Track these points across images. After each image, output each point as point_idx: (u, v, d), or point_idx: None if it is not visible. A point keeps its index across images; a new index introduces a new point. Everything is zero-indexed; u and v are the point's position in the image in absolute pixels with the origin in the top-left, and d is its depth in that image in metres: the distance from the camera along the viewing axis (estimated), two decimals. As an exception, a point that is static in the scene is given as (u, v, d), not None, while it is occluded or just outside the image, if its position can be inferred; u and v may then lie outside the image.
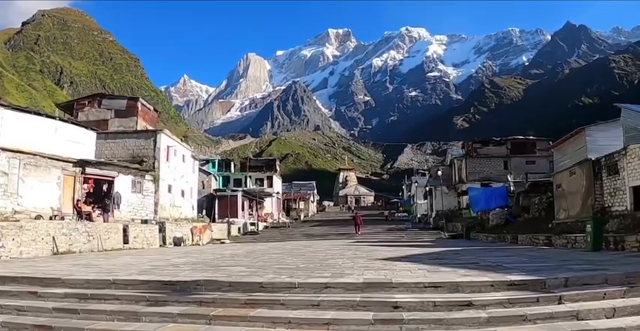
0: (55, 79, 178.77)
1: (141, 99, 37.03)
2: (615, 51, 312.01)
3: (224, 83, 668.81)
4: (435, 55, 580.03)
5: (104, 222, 25.22)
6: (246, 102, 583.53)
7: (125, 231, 24.70)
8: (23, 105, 44.61)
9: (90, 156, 28.27)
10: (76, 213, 24.44)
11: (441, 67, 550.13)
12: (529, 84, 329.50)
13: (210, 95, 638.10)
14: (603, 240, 15.90)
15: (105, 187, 28.36)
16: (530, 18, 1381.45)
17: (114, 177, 28.10)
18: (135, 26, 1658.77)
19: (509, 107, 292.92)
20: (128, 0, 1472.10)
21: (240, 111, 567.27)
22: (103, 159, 29.85)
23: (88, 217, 24.46)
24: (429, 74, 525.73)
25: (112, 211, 27.93)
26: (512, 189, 39.97)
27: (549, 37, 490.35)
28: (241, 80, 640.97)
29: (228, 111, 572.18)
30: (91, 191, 27.42)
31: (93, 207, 27.25)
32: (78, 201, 24.78)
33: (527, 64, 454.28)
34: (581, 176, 24.21)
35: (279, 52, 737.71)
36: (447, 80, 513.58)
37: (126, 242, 24.50)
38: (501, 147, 50.27)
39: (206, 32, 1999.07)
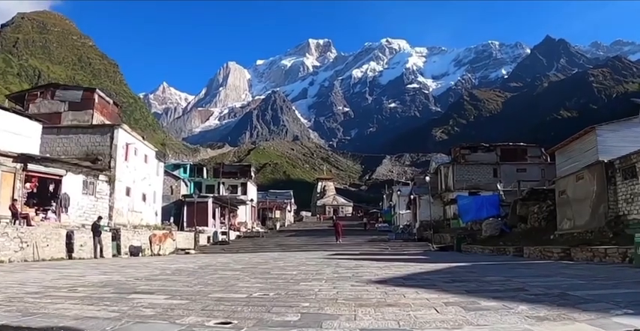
0: (32, 83, 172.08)
1: (98, 91, 33.13)
2: (594, 65, 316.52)
3: (203, 91, 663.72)
4: (414, 67, 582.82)
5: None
6: (226, 111, 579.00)
7: (69, 237, 21.16)
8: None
9: (34, 150, 24.63)
10: (11, 214, 20.76)
11: (420, 78, 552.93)
12: (508, 97, 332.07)
13: (189, 103, 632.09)
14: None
15: (52, 187, 24.73)
16: (510, 32, 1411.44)
17: (62, 176, 24.56)
18: (115, 32, 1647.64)
19: (488, 119, 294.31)
20: (109, 2, 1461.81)
21: (219, 119, 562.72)
22: (48, 155, 26.16)
23: (26, 220, 20.79)
24: (409, 86, 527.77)
25: (59, 214, 24.30)
26: (503, 197, 37.03)
27: (529, 51, 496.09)
28: (221, 89, 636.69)
29: (207, 119, 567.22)
30: (35, 191, 23.80)
31: (37, 210, 23.67)
32: (15, 200, 21.05)
33: (506, 77, 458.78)
34: (590, 180, 21.24)
35: (259, 62, 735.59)
36: (427, 92, 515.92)
37: (70, 250, 21.01)
38: (491, 153, 47.36)
39: (186, 40, 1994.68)
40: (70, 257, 20.42)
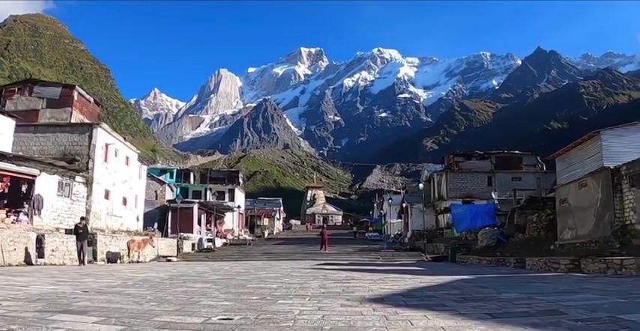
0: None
1: (78, 88, 31.45)
2: (584, 77, 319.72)
3: (195, 98, 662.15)
4: (406, 77, 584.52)
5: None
6: (216, 118, 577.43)
7: (40, 241, 19.64)
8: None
9: (6, 148, 23.16)
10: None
11: (411, 88, 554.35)
12: (499, 107, 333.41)
13: (180, 110, 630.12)
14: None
15: (24, 188, 23.18)
16: (501, 43, 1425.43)
17: (35, 176, 22.99)
18: (107, 36, 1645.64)
19: (478, 130, 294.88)
20: (102, 7, 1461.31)
21: (209, 127, 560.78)
22: (21, 153, 24.62)
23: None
24: (400, 96, 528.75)
25: (31, 217, 22.73)
26: (498, 206, 35.80)
27: (520, 62, 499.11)
28: (212, 96, 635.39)
29: (198, 126, 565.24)
30: (6, 191, 22.28)
31: (7, 212, 22.12)
32: (-21, 201, 19.59)
33: (497, 87, 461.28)
34: (595, 188, 20.06)
35: (251, 69, 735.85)
36: (418, 102, 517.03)
37: (40, 256, 19.46)
38: (485, 161, 46.11)
39: (179, 46, 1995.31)
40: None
